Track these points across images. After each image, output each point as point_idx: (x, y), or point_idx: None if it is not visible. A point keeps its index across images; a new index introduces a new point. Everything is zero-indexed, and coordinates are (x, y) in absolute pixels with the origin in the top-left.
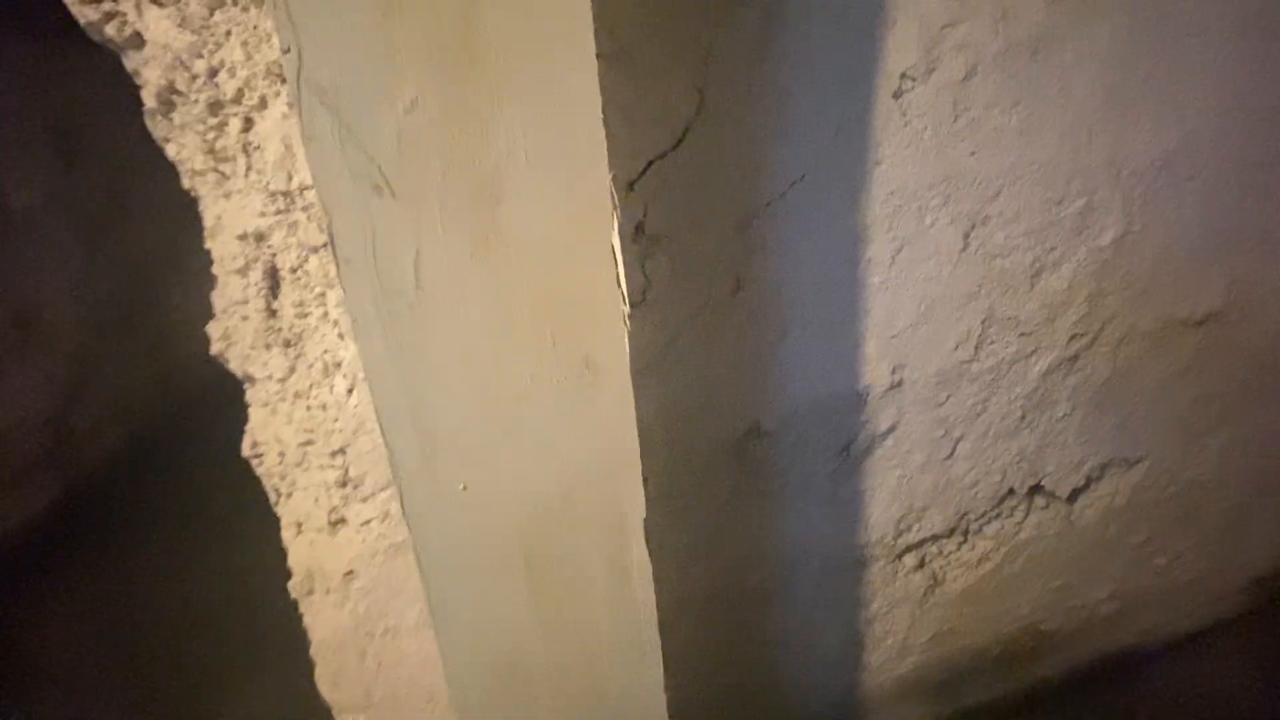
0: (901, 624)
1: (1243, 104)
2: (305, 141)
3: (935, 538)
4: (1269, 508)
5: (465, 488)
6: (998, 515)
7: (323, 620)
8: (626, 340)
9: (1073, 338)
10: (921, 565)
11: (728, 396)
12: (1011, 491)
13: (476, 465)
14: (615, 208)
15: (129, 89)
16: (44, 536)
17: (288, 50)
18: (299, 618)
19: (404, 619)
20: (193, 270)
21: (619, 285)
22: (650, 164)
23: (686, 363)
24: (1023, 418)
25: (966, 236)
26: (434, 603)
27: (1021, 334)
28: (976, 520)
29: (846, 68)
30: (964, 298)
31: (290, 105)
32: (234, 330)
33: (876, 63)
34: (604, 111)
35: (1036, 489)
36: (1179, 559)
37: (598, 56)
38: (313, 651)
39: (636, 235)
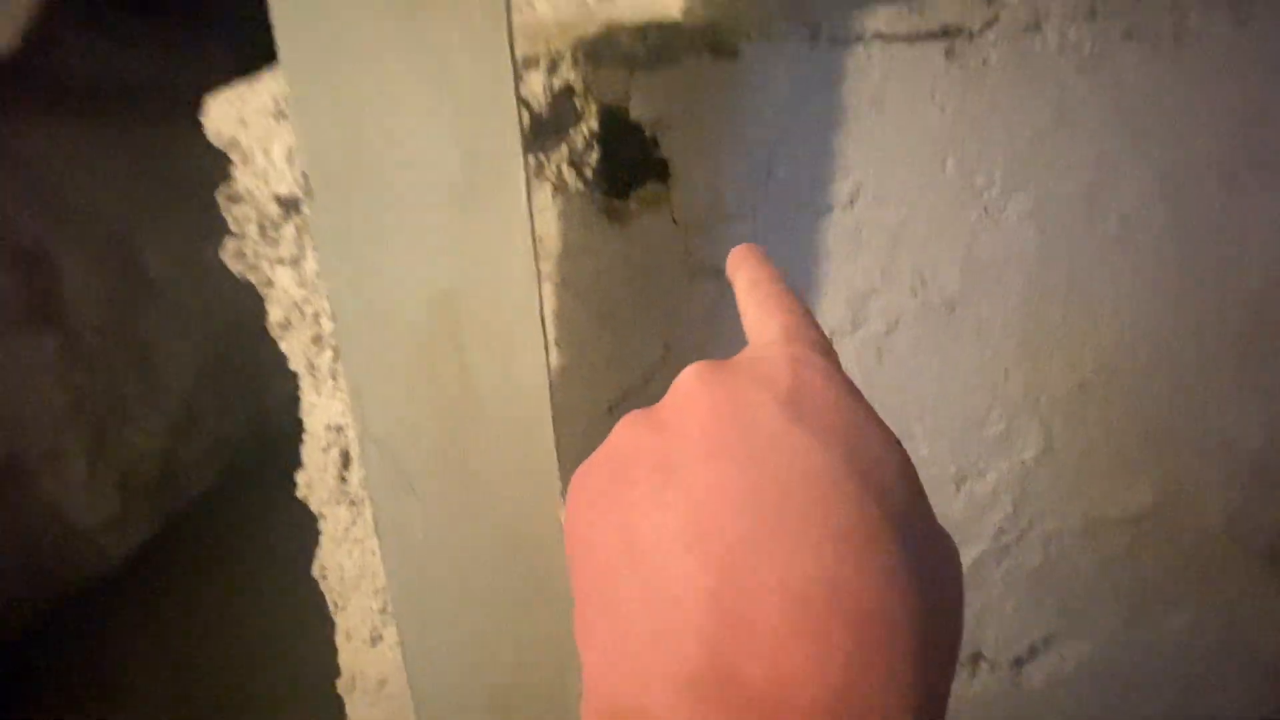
0: None
1: (1161, 325)
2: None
3: None
4: (1234, 674)
5: (447, 684)
6: None
7: (358, 715)
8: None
9: (1000, 532)
10: None
11: None
12: None
13: (460, 667)
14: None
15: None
16: (146, 564)
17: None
18: (343, 710)
19: None
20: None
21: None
22: (625, 395)
23: None
24: None
25: None
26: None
27: (951, 527)
28: None
29: None
30: None
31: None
32: (315, 482)
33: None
34: (592, 355)
35: (978, 655)
36: None
37: (591, 318)
38: None
39: None
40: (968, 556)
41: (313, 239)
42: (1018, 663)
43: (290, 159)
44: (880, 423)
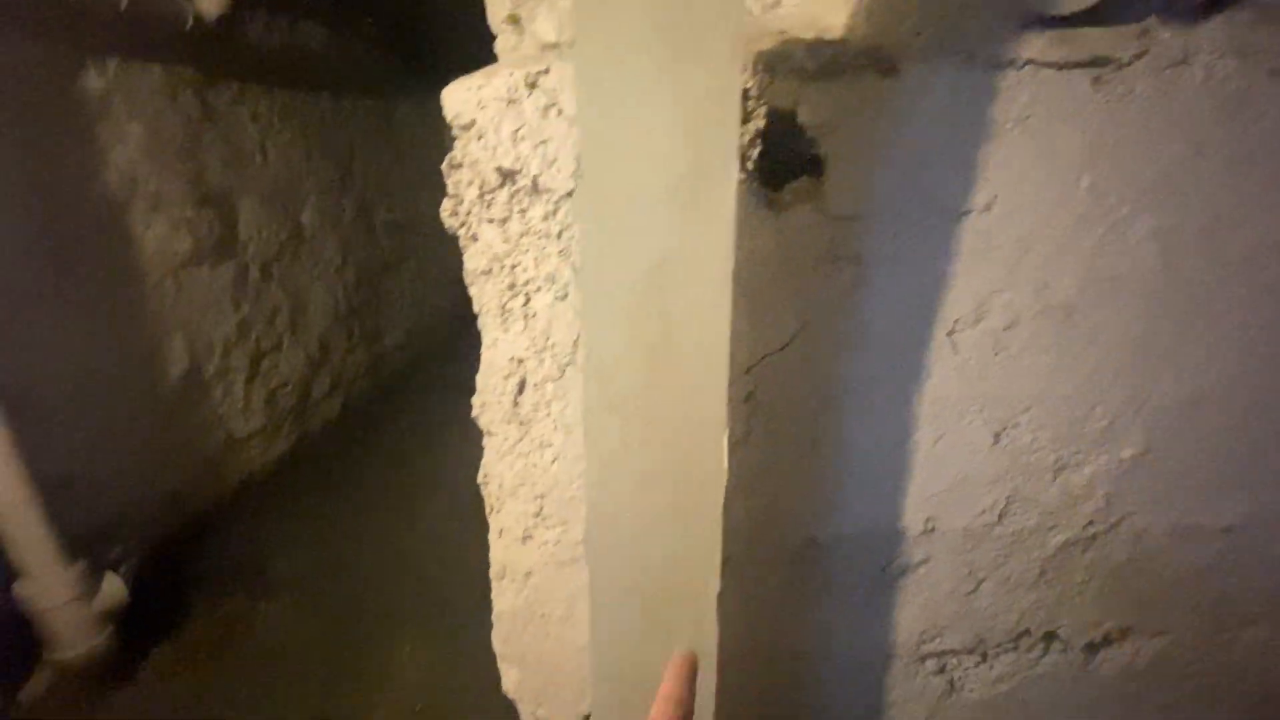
0: (919, 718)
1: (1275, 357)
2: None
3: (954, 651)
4: None
5: (621, 559)
6: (1015, 649)
7: (505, 599)
8: (725, 468)
9: (1090, 523)
10: (941, 671)
11: (794, 515)
12: (1028, 632)
13: (630, 545)
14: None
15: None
16: (282, 475)
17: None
18: (487, 594)
19: (554, 611)
20: (404, 280)
21: (724, 451)
22: (763, 358)
23: (769, 489)
24: (1041, 575)
25: (997, 436)
26: (592, 605)
27: (1042, 512)
28: (994, 648)
29: (914, 313)
30: (992, 479)
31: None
32: (488, 405)
33: (937, 311)
34: (734, 322)
35: (1052, 635)
36: None
37: (739, 290)
38: (494, 616)
39: (746, 400)
40: (1056, 539)
41: (574, 210)
42: (1091, 648)
43: (515, 138)
44: None
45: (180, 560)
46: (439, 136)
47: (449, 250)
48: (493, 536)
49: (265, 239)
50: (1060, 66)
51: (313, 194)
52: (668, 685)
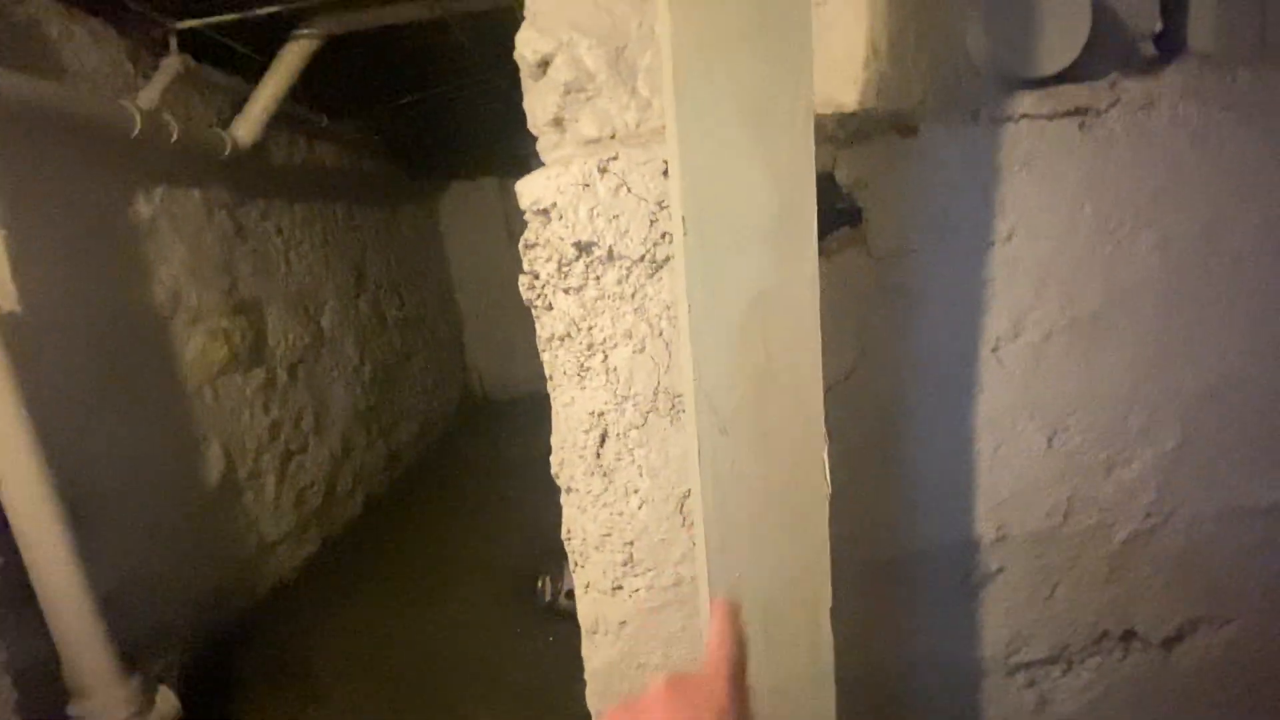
0: None
1: (1277, 337)
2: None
3: (1041, 662)
4: None
5: (739, 575)
6: (1097, 652)
7: (600, 655)
8: (829, 483)
9: (1147, 515)
10: (1031, 685)
11: (875, 535)
12: (1107, 633)
13: (748, 561)
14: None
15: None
16: (313, 573)
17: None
18: (580, 647)
19: (651, 659)
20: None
21: (825, 465)
22: (830, 387)
23: (851, 510)
24: (1111, 572)
25: (1050, 439)
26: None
27: (1102, 509)
28: (1078, 653)
29: (959, 334)
30: (1050, 482)
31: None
32: (568, 461)
33: (980, 331)
34: None
35: (1130, 633)
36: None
37: None
38: (587, 675)
39: None
40: (1120, 535)
41: (684, 257)
42: (1168, 643)
43: (592, 215)
44: None
45: (222, 665)
46: (437, 237)
47: (454, 340)
48: (579, 592)
49: (291, 342)
50: (1050, 117)
51: (331, 297)
52: (718, 623)
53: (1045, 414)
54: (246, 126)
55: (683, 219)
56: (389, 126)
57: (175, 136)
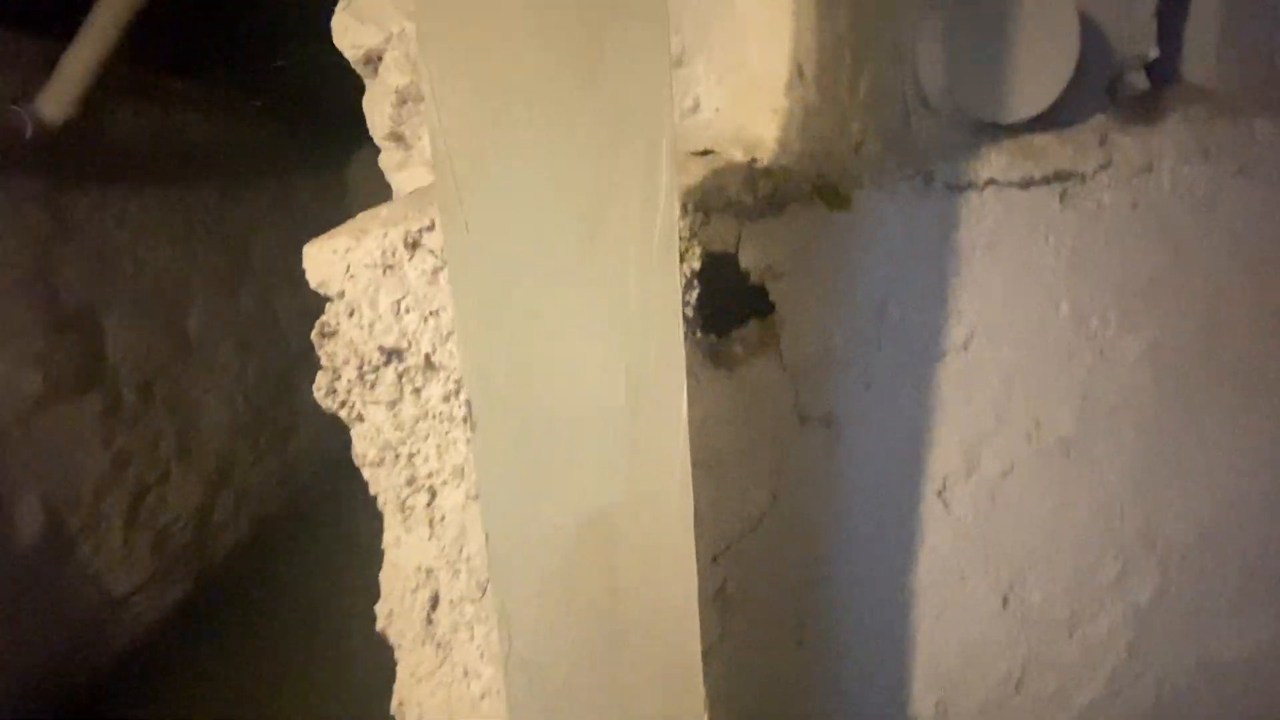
0: None
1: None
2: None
3: None
4: None
5: None
6: None
7: None
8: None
9: (1113, 677)
10: None
11: None
12: None
13: None
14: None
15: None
16: (178, 629)
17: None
18: None
19: None
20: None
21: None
22: (729, 546)
23: (751, 697)
24: None
25: (1005, 598)
26: None
27: (1061, 674)
28: None
29: (899, 474)
30: (1004, 645)
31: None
32: (396, 615)
33: (924, 468)
34: (697, 503)
35: None
36: None
37: (694, 465)
38: None
39: (716, 597)
40: (1080, 700)
41: (475, 463)
42: None
43: (398, 312)
44: None
45: None
46: (344, 208)
47: None
48: None
49: (141, 356)
50: (1023, 185)
51: (200, 294)
52: None
53: (1001, 567)
54: (56, 100)
55: (468, 406)
56: (273, 87)
57: None
